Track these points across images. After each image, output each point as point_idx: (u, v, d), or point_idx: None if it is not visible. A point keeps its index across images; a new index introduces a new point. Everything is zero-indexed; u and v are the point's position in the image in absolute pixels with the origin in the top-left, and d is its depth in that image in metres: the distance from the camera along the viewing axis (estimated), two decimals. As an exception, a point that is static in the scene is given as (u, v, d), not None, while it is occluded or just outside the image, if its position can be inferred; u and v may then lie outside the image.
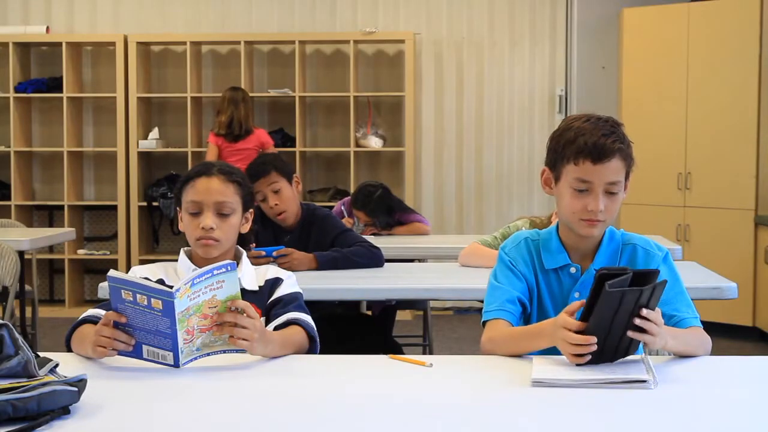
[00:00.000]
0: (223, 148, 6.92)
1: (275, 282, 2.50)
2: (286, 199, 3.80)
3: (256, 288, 2.49)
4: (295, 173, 3.91)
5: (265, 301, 2.48)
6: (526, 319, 2.42)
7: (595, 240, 2.37)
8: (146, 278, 2.42)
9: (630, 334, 2.02)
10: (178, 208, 2.58)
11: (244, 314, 2.14)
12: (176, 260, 2.53)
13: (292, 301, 2.45)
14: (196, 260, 2.50)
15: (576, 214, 2.30)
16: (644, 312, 2.00)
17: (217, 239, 2.47)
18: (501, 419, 1.77)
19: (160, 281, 2.40)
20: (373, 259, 3.79)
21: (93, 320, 2.29)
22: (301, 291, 2.52)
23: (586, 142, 2.25)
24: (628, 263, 2.35)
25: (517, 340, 2.24)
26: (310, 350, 2.35)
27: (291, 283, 2.52)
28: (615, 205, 2.30)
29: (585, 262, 2.38)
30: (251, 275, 2.51)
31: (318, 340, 2.37)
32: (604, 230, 2.36)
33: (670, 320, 2.27)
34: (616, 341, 2.04)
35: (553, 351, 2.17)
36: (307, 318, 2.40)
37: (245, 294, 2.46)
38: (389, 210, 5.27)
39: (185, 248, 2.55)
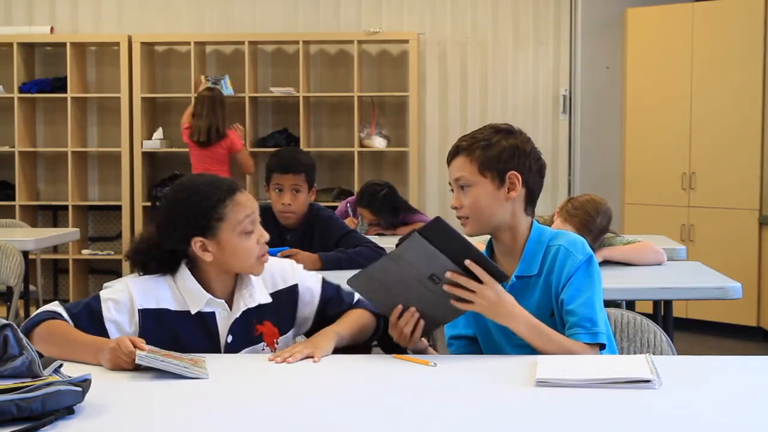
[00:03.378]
0: (193, 151, 6.98)
1: (293, 291, 2.43)
2: (300, 202, 3.83)
3: (269, 299, 2.38)
4: (315, 183, 3.94)
5: (285, 314, 2.40)
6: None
7: (520, 245, 2.36)
8: (144, 310, 2.29)
9: (454, 303, 2.20)
10: (197, 239, 2.27)
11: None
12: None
13: (337, 294, 2.48)
14: (209, 281, 2.33)
15: None
16: (448, 275, 2.22)
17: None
18: (505, 419, 1.78)
19: (165, 311, 2.29)
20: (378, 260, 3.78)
21: (53, 317, 2.24)
22: (322, 277, 2.50)
23: None
24: (550, 264, 2.32)
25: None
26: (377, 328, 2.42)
27: (314, 278, 2.48)
28: None
29: (514, 268, 2.37)
30: (261, 287, 2.39)
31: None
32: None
33: (566, 317, 2.27)
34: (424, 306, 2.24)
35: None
36: (359, 297, 2.44)
37: (260, 309, 2.37)
38: (394, 210, 5.25)
39: (186, 260, 2.34)
